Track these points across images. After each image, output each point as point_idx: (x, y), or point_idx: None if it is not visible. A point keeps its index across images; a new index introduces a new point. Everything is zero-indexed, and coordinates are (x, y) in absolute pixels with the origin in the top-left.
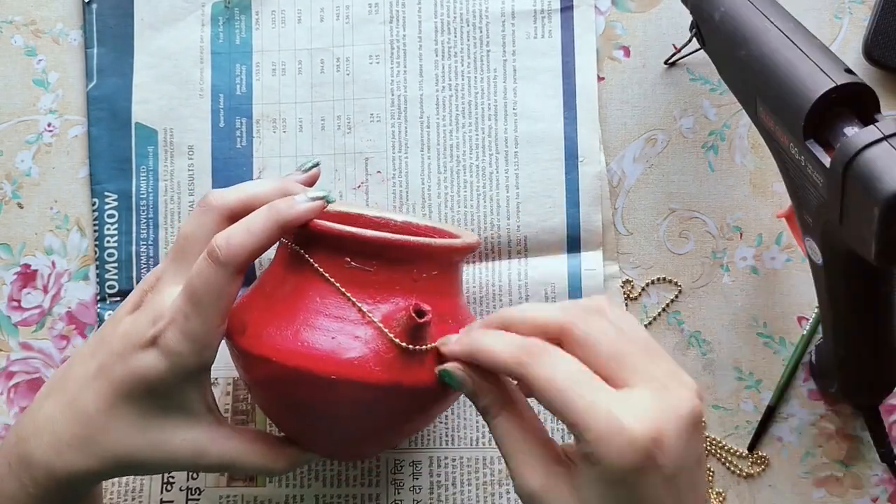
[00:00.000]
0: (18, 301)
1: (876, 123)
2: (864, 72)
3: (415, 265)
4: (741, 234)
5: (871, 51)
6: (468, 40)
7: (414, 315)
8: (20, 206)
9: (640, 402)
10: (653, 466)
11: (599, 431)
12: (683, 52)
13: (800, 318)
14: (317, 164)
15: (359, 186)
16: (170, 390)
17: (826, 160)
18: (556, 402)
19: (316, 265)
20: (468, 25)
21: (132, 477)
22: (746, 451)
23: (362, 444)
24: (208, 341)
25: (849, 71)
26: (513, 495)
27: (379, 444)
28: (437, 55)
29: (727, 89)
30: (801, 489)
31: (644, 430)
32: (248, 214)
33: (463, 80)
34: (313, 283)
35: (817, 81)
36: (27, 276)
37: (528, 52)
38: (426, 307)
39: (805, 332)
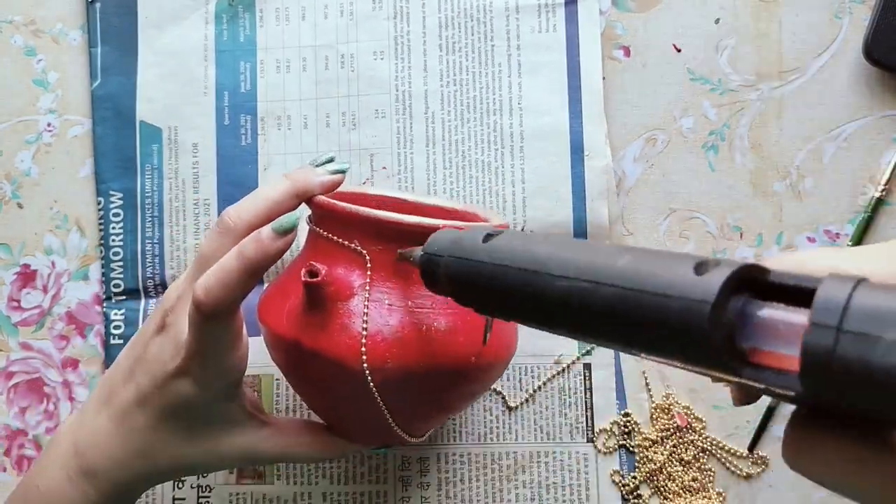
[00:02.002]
0: (18, 301)
1: (785, 279)
2: (864, 72)
3: None
4: (741, 234)
5: (872, 51)
6: (472, 35)
7: (306, 275)
8: (20, 205)
9: None
10: None
11: None
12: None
13: None
14: (332, 159)
15: (364, 183)
16: (208, 408)
17: (786, 379)
18: None
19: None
20: (472, 20)
21: None
22: (746, 452)
23: (429, 425)
24: (231, 368)
25: (699, 266)
26: (520, 491)
27: (443, 421)
28: (441, 50)
29: (728, 89)
30: (802, 489)
31: None
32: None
33: (468, 75)
34: (378, 277)
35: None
36: (27, 276)
37: (532, 47)
38: (320, 267)
39: None
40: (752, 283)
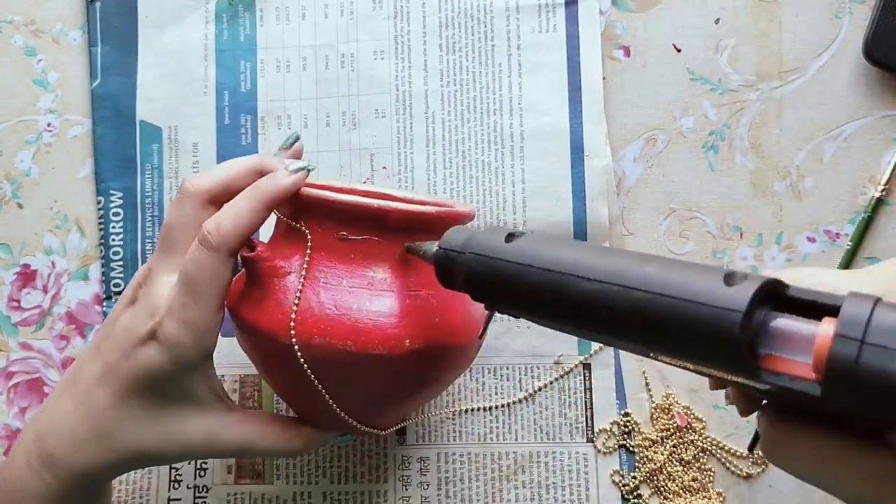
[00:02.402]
0: (18, 301)
1: (803, 295)
2: (864, 72)
3: (410, 235)
4: (741, 234)
5: (872, 51)
6: (473, 35)
7: (245, 250)
8: (20, 205)
9: None
10: None
11: None
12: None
13: None
14: (298, 139)
15: (364, 182)
16: (174, 381)
17: (802, 378)
18: None
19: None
20: (472, 20)
21: (140, 475)
22: (746, 452)
23: (382, 414)
24: (207, 327)
25: (728, 276)
26: (520, 491)
27: (399, 413)
28: (441, 50)
29: (727, 89)
30: (801, 489)
31: None
32: (227, 195)
33: (468, 75)
34: (318, 256)
35: (720, 322)
36: (27, 276)
37: (532, 47)
38: (257, 242)
39: None
40: (773, 295)
